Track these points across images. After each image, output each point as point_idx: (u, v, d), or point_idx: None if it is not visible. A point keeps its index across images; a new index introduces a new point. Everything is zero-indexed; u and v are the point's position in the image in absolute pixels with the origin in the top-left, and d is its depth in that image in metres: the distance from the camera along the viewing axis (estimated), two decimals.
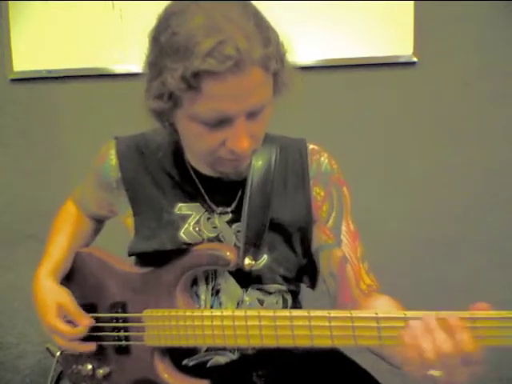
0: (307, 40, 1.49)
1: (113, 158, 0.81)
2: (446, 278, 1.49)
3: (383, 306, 0.73)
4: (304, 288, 0.93)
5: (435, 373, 0.54)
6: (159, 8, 0.65)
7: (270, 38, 0.61)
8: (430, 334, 0.55)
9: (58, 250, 0.86)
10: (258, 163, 0.78)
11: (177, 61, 0.58)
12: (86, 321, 0.78)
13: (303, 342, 0.64)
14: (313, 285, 0.91)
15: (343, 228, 0.80)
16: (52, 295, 0.80)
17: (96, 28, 1.52)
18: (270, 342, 0.66)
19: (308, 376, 0.81)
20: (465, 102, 1.52)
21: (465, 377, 0.55)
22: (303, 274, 0.91)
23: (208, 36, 0.56)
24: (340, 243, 0.79)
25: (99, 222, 0.97)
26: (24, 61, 1.58)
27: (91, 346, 0.79)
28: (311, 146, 0.83)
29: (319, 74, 1.51)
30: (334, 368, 0.83)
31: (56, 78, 1.57)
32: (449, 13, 1.48)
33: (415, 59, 1.49)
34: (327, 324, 0.62)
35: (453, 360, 0.53)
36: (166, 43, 0.60)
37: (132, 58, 1.49)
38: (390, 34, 1.48)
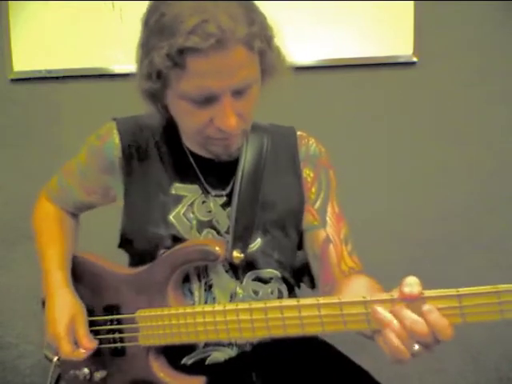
0: (307, 40, 1.49)
1: (116, 137, 0.80)
2: (446, 278, 1.49)
3: (357, 286, 0.71)
4: (304, 287, 0.93)
5: (415, 348, 0.53)
6: None
7: (254, 19, 0.63)
8: (398, 316, 0.54)
9: (62, 254, 0.85)
10: (250, 149, 0.80)
11: (163, 39, 0.61)
12: (88, 345, 0.76)
13: (294, 331, 0.64)
14: (312, 285, 0.91)
15: (329, 209, 0.82)
16: (69, 308, 0.78)
17: (96, 28, 1.52)
18: (261, 334, 0.66)
19: (306, 374, 0.81)
20: (465, 102, 1.52)
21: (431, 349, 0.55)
22: (302, 274, 0.91)
23: (192, 15, 0.59)
24: (325, 224, 0.81)
25: (74, 216, 0.95)
26: (24, 61, 1.57)
27: (85, 353, 0.77)
28: (299, 132, 0.86)
29: (319, 74, 1.51)
30: (331, 366, 0.84)
31: (56, 77, 1.57)
32: (449, 13, 1.48)
33: (415, 59, 1.49)
34: (317, 313, 0.62)
35: (427, 339, 0.53)
36: (154, 24, 0.63)
37: (132, 57, 1.49)
38: (390, 34, 1.48)
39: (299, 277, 0.91)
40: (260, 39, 0.64)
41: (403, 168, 1.56)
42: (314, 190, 0.82)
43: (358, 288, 0.70)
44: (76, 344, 0.77)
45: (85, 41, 1.54)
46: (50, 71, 1.57)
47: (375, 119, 1.54)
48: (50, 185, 0.94)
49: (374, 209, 1.53)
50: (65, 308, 0.78)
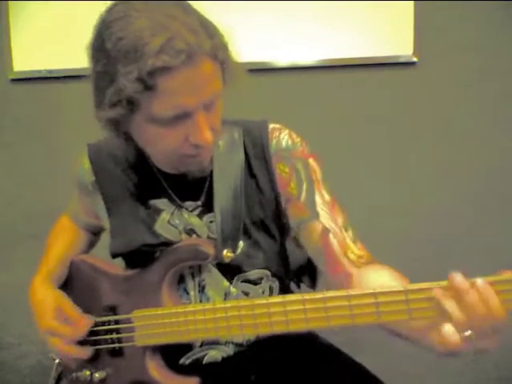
0: (307, 40, 1.49)
1: (86, 162, 0.84)
2: (446, 277, 1.49)
3: (381, 280, 0.66)
4: (304, 286, 0.93)
5: (467, 333, 0.52)
6: None
7: (212, 31, 0.63)
8: (462, 295, 0.53)
9: (50, 261, 0.88)
10: (221, 152, 0.78)
11: (129, 64, 0.59)
12: (84, 321, 0.79)
13: (280, 328, 0.64)
14: (312, 284, 0.91)
15: (317, 200, 0.77)
16: (49, 299, 0.81)
17: None
18: (249, 331, 0.67)
19: (304, 372, 0.81)
20: (465, 102, 1.52)
21: (490, 345, 0.53)
22: (302, 274, 0.91)
23: (155, 35, 0.58)
24: (317, 215, 0.75)
25: (94, 235, 0.97)
26: (24, 61, 1.57)
27: (87, 351, 0.80)
28: (272, 126, 0.82)
29: (319, 74, 1.51)
30: (330, 365, 0.84)
31: (56, 77, 1.57)
32: (449, 13, 1.48)
33: (415, 59, 1.49)
34: (302, 307, 0.62)
35: (484, 323, 0.52)
36: (113, 50, 0.60)
37: None
38: (390, 34, 1.48)
39: (299, 276, 0.91)
40: (222, 49, 0.64)
41: (403, 168, 1.56)
42: (293, 184, 0.78)
43: (383, 282, 0.65)
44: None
45: (85, 41, 1.53)
46: (50, 71, 1.57)
47: (375, 119, 1.54)
48: (70, 204, 0.97)
49: (374, 209, 1.53)
50: (46, 301, 0.80)
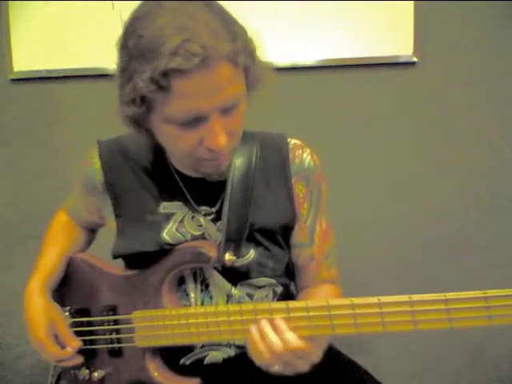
0: (307, 40, 1.49)
1: (96, 162, 0.82)
2: (446, 278, 1.49)
3: (318, 293, 0.80)
4: None
5: (276, 367, 0.64)
6: None
7: (236, 33, 0.61)
8: (264, 338, 0.63)
9: (48, 262, 0.86)
10: (238, 161, 0.78)
11: (144, 63, 0.58)
12: (74, 343, 0.79)
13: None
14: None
15: (317, 228, 0.83)
16: (45, 312, 0.79)
17: (96, 28, 1.52)
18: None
19: (305, 374, 0.81)
20: (465, 102, 1.52)
21: (303, 366, 0.65)
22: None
23: (173, 35, 0.57)
24: (312, 243, 0.83)
25: (91, 232, 0.97)
26: (24, 61, 1.57)
27: (78, 360, 0.80)
28: (293, 141, 0.82)
29: (319, 74, 1.51)
30: (331, 366, 0.83)
31: (56, 77, 1.57)
32: (449, 13, 1.48)
33: (415, 59, 1.49)
34: (305, 314, 0.63)
35: (286, 357, 0.63)
36: (133, 47, 0.61)
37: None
38: (390, 34, 1.48)
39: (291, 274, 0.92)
40: (244, 55, 0.62)
41: (403, 168, 1.56)
42: (305, 206, 0.81)
43: (318, 294, 0.80)
44: (61, 346, 0.78)
45: (85, 41, 1.53)
46: (50, 71, 1.57)
47: (375, 119, 1.54)
48: (68, 199, 0.96)
49: (374, 209, 1.53)
50: (40, 313, 0.79)
